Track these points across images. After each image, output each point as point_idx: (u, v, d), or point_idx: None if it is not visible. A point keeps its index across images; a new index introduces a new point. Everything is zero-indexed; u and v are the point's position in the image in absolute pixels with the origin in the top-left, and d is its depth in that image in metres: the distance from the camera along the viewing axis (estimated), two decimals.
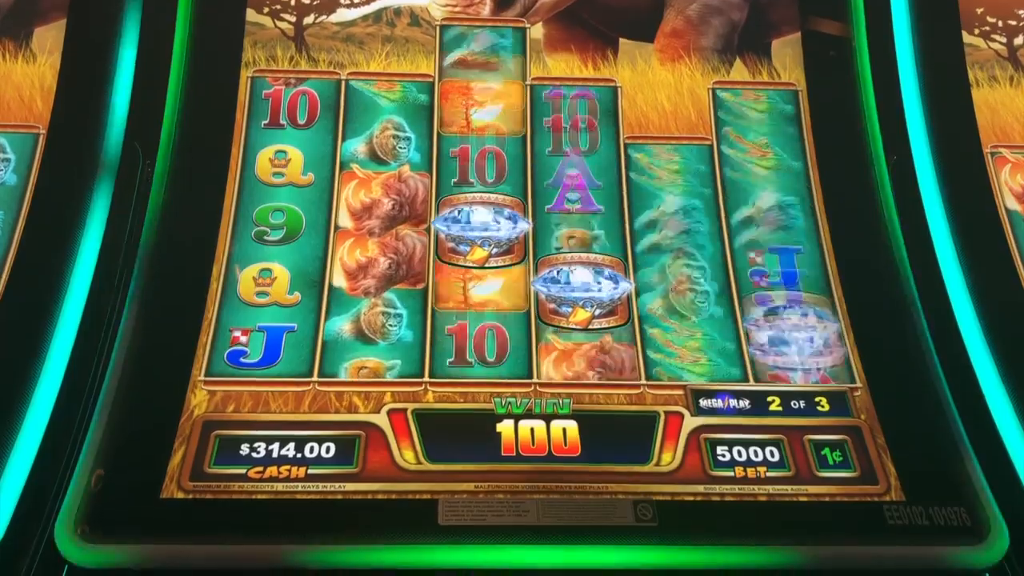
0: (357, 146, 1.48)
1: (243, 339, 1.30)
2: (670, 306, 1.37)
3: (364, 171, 1.45)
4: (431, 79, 1.54)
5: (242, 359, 1.28)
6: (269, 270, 1.36)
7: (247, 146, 1.46)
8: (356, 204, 1.42)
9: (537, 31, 1.60)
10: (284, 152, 1.46)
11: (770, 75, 1.59)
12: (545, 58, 1.58)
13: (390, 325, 1.33)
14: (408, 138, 1.48)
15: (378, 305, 1.34)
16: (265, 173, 1.44)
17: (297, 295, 1.34)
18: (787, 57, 1.60)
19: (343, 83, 1.52)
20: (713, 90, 1.56)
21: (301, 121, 1.49)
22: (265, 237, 1.39)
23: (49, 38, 1.49)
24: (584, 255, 1.41)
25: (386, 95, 1.50)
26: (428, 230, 1.41)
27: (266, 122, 1.49)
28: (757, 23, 1.62)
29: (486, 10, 1.59)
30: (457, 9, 1.59)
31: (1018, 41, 1.64)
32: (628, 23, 1.61)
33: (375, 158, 1.47)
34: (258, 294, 1.34)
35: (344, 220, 1.41)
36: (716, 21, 1.61)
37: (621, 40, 1.60)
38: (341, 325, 1.33)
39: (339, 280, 1.36)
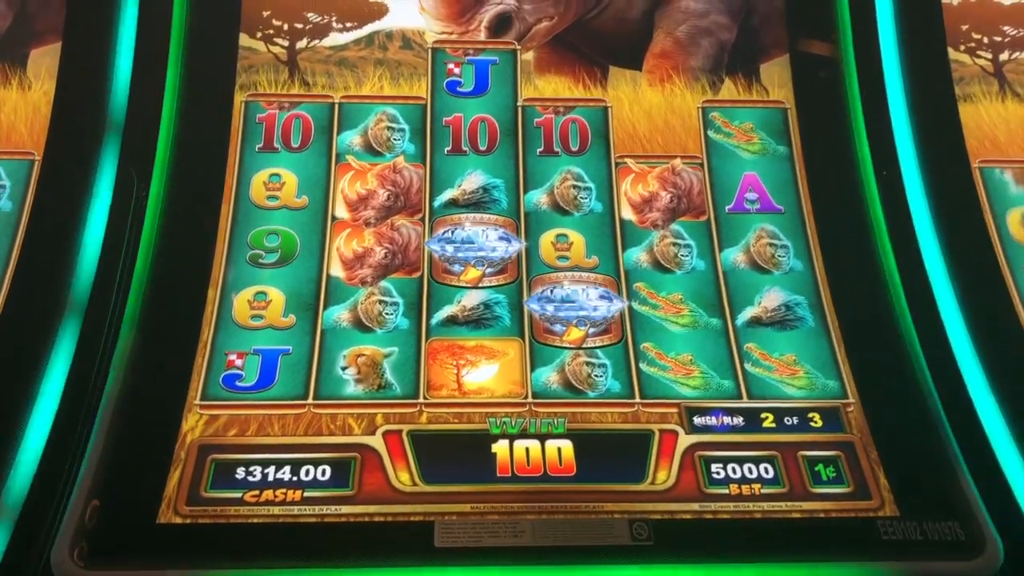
0: (352, 138, 1.50)
1: (238, 362, 1.30)
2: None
3: (359, 162, 1.48)
4: (423, 102, 1.55)
5: (237, 382, 1.28)
6: (264, 293, 1.37)
7: (241, 170, 1.47)
8: (352, 195, 1.45)
9: (528, 54, 1.61)
10: (278, 175, 1.47)
11: (759, 94, 1.60)
12: (535, 80, 1.59)
13: (386, 313, 1.35)
14: (403, 129, 1.51)
15: (375, 294, 1.37)
16: (259, 196, 1.45)
17: (292, 318, 1.35)
18: (775, 75, 1.62)
19: (336, 106, 1.54)
20: (702, 109, 1.58)
21: (295, 145, 1.50)
22: (260, 260, 1.40)
23: (44, 64, 1.50)
24: (577, 274, 1.42)
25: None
26: (423, 220, 1.44)
27: (260, 146, 1.50)
28: (746, 43, 1.64)
29: (480, 38, 1.60)
30: (453, 37, 1.60)
31: (1003, 57, 1.66)
32: (617, 50, 1.62)
33: (370, 149, 1.50)
34: (253, 317, 1.34)
35: (340, 211, 1.44)
36: (705, 42, 1.62)
37: (611, 68, 1.61)
38: (339, 314, 1.35)
39: (336, 270, 1.39)
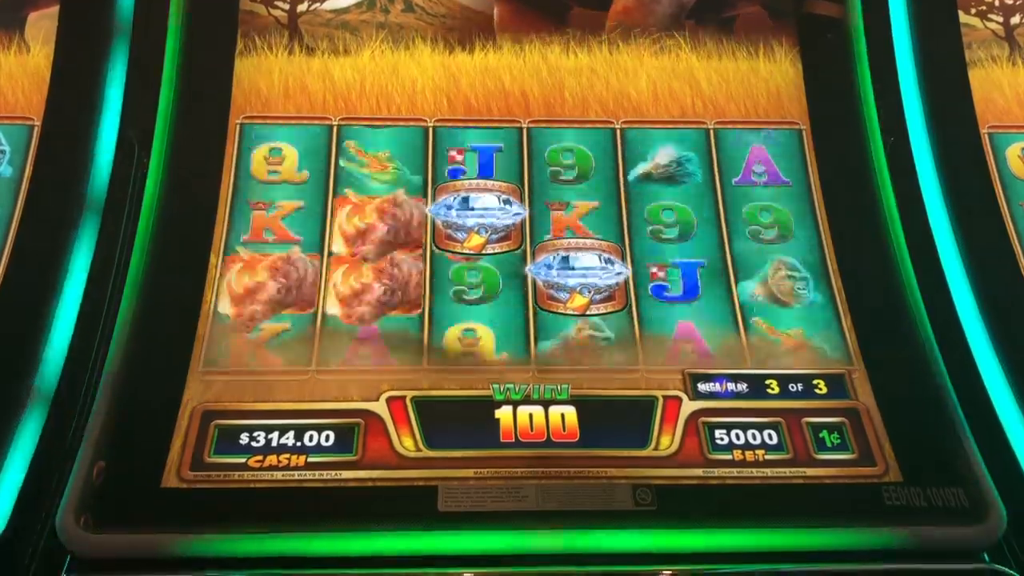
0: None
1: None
2: None
3: (359, 196, 1.42)
4: (426, 124, 1.50)
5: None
6: None
7: (242, 139, 1.45)
8: (350, 229, 1.39)
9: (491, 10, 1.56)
10: (279, 150, 1.45)
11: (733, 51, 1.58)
12: (500, 41, 1.55)
13: None
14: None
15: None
16: (260, 172, 1.44)
17: None
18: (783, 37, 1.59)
19: (335, 128, 1.49)
20: (714, 131, 1.52)
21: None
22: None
23: (42, 28, 1.48)
24: (581, 241, 1.41)
25: (377, 176, 1.44)
26: (424, 256, 1.38)
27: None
28: None
29: None
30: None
31: (1015, 20, 1.63)
32: None
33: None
34: None
35: (338, 246, 1.38)
36: None
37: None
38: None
39: (333, 308, 1.33)
